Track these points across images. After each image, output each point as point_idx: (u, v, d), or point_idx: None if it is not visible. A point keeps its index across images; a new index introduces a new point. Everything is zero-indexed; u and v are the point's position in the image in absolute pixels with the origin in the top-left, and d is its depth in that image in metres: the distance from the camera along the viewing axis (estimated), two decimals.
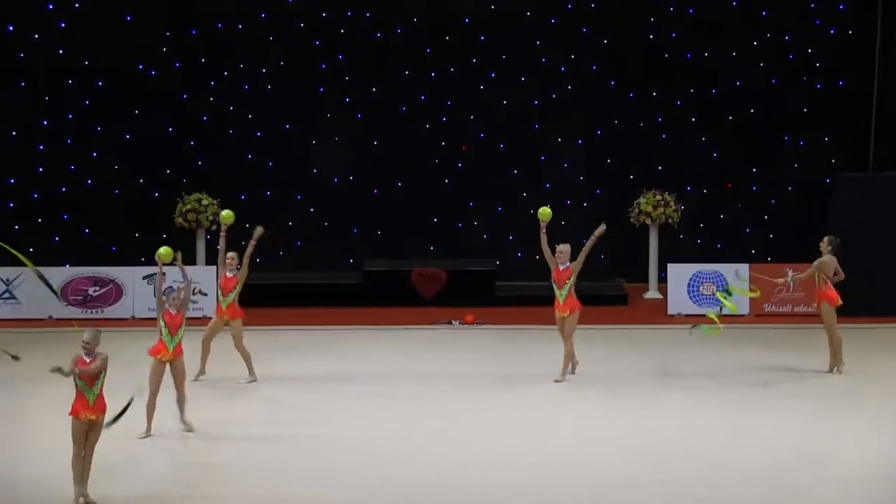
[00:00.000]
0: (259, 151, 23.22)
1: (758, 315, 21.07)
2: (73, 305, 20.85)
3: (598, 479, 12.67)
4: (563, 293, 16.47)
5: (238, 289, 16.45)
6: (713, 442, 13.93)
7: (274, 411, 15.30)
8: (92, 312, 20.93)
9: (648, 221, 22.18)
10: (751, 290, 18.57)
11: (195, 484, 12.73)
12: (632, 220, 22.24)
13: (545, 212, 16.18)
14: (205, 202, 21.87)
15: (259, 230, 16.57)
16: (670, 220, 22.21)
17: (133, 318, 20.91)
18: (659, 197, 22.17)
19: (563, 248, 16.55)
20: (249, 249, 16.49)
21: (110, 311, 20.95)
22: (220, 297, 16.57)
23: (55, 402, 15.03)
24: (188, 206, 21.84)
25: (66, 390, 15.10)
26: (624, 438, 14.09)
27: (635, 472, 12.88)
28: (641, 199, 22.22)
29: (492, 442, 13.97)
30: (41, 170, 22.88)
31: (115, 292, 21.04)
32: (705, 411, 15.23)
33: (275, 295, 21.77)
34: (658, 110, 23.37)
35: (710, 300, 21.10)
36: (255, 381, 16.46)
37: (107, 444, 12.38)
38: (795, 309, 21.12)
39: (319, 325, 20.02)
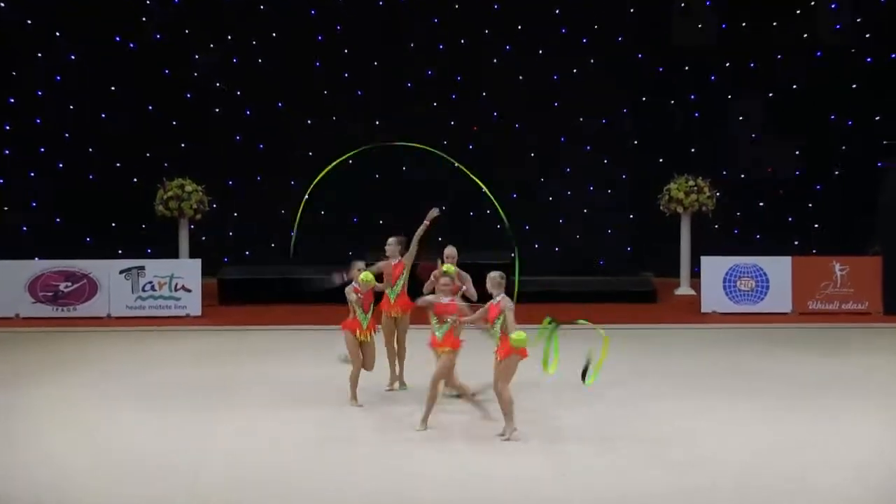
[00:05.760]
0: (249, 133, 23.31)
1: (801, 313, 21.15)
2: (41, 302, 20.88)
3: (628, 491, 12.67)
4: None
5: (405, 274, 16.38)
6: (750, 452, 13.84)
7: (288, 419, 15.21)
8: (63, 310, 20.92)
9: (680, 209, 22.16)
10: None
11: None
12: (661, 207, 22.26)
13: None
14: (188, 188, 21.84)
15: (434, 212, 16.44)
16: (704, 208, 22.18)
17: (109, 316, 20.97)
18: (691, 182, 22.14)
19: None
20: (421, 230, 16.42)
21: (84, 309, 20.96)
22: (389, 289, 16.41)
23: (41, 403, 15.77)
24: (170, 193, 21.82)
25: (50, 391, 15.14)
26: (655, 449, 14.03)
27: (670, 485, 12.84)
28: (672, 185, 22.19)
29: (507, 452, 13.90)
30: (7, 152, 22.91)
31: (88, 288, 21.03)
32: (742, 420, 15.13)
33: (267, 291, 21.90)
34: (690, 86, 23.44)
35: (747, 296, 21.12)
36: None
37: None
38: (843, 306, 21.20)
39: (317, 325, 19.88)
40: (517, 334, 13.77)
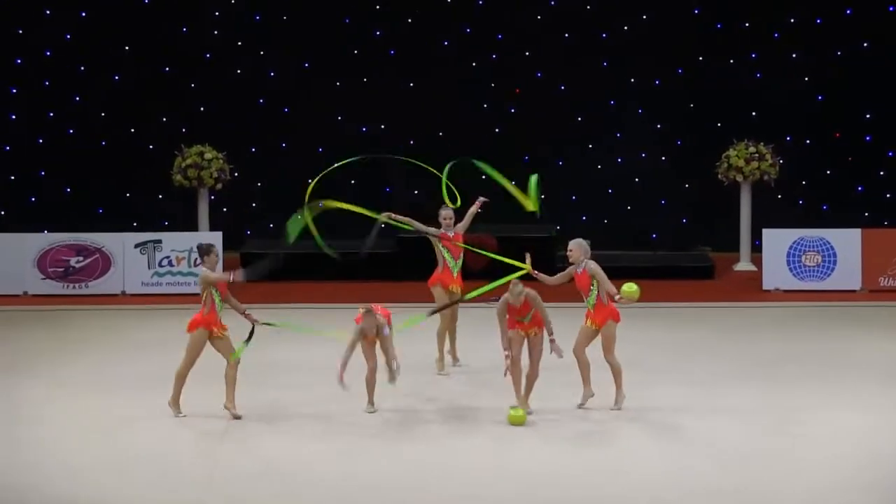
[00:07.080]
0: (272, 95, 23.30)
1: (872, 290, 21.00)
2: (51, 279, 20.91)
3: (679, 489, 12.61)
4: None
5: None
6: (814, 447, 13.75)
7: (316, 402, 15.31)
8: (74, 287, 20.91)
9: (740, 178, 22.05)
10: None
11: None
12: (720, 176, 22.12)
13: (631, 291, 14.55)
14: (208, 156, 21.79)
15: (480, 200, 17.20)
16: (766, 177, 22.04)
17: (123, 293, 20.98)
18: (752, 149, 22.03)
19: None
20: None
21: (96, 286, 20.97)
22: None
23: (43, 390, 15.83)
24: (188, 161, 21.79)
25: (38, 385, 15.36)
26: (707, 441, 13.96)
27: (718, 484, 12.78)
28: (731, 152, 22.08)
29: (549, 445, 13.93)
30: (14, 117, 23.09)
31: (101, 263, 21.06)
32: (807, 409, 15.02)
33: (294, 266, 21.37)
34: (751, 44, 23.29)
35: (813, 272, 21.10)
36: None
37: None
38: None
39: (343, 304, 19.49)
40: (628, 285, 14.36)
